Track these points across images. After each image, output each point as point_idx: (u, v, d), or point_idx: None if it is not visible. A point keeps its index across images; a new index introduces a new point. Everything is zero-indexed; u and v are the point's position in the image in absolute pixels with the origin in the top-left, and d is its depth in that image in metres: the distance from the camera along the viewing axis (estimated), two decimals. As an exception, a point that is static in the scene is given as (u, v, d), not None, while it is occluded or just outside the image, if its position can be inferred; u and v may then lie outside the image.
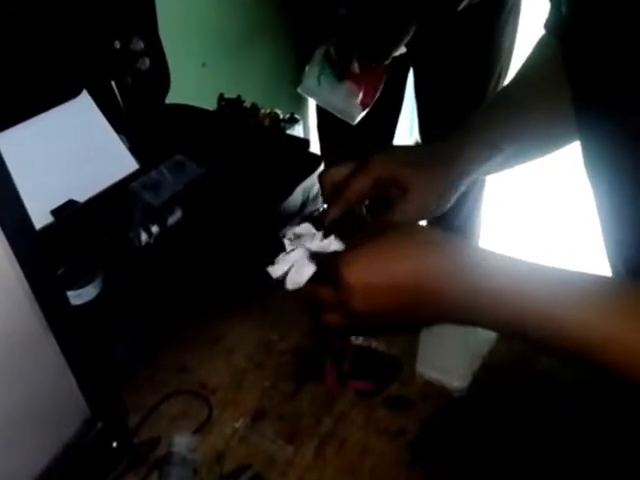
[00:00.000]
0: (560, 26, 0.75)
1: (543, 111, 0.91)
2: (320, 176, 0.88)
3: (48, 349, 0.68)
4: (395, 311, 0.68)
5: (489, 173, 0.97)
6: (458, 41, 1.79)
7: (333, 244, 0.73)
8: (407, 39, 1.64)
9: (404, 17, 1.63)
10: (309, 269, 0.73)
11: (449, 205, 0.89)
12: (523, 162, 0.97)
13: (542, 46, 0.92)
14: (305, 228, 0.76)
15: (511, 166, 0.98)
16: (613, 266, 0.81)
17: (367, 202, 0.88)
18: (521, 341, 0.66)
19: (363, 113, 1.80)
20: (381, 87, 1.79)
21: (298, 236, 0.76)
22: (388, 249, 0.67)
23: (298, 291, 0.75)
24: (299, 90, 1.79)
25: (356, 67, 1.72)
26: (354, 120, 1.80)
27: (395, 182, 0.85)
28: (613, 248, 0.79)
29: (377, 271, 0.66)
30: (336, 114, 1.81)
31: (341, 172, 0.85)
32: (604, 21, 0.63)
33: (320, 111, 2.08)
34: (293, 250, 0.75)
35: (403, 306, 0.67)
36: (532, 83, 0.95)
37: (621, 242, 0.77)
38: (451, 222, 2.22)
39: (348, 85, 1.75)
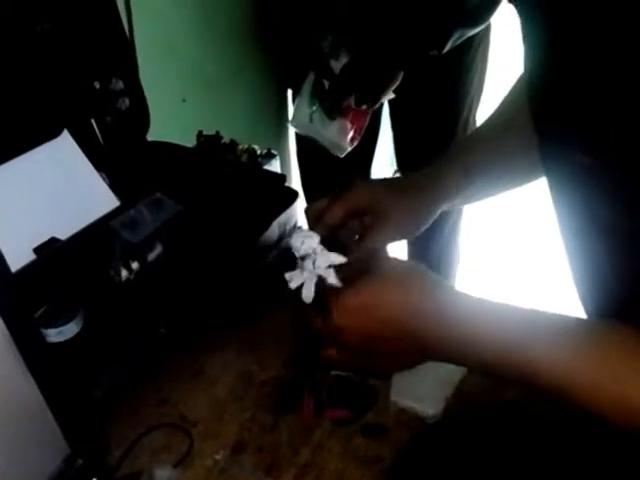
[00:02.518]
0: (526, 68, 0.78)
1: (511, 145, 0.94)
2: (306, 210, 0.95)
3: (26, 389, 0.70)
4: (383, 349, 0.75)
5: (464, 202, 1.01)
6: (429, 75, 1.84)
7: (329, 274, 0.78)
8: (397, 84, 1.71)
9: (398, 63, 1.70)
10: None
11: (425, 227, 0.95)
12: (494, 193, 1.01)
13: (519, 81, 0.95)
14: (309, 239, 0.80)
15: (484, 197, 1.02)
16: (582, 301, 0.84)
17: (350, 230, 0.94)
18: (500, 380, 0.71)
19: (351, 147, 1.86)
20: (367, 123, 1.85)
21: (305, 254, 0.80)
22: (376, 294, 0.73)
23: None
24: (291, 125, 1.85)
25: (352, 104, 1.78)
26: (342, 153, 1.86)
27: (375, 209, 0.91)
28: (581, 285, 0.82)
29: (366, 316, 0.73)
30: (325, 146, 1.86)
31: (324, 203, 0.92)
32: (566, 67, 0.65)
33: (300, 142, 2.12)
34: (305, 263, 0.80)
35: (390, 347, 0.74)
36: (504, 117, 0.98)
37: (589, 279, 0.79)
38: (430, 249, 2.26)
39: (340, 122, 1.81)
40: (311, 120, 1.83)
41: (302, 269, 0.80)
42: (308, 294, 0.78)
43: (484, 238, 2.97)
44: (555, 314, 0.67)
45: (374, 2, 1.57)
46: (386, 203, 0.92)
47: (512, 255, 2.95)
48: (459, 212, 2.27)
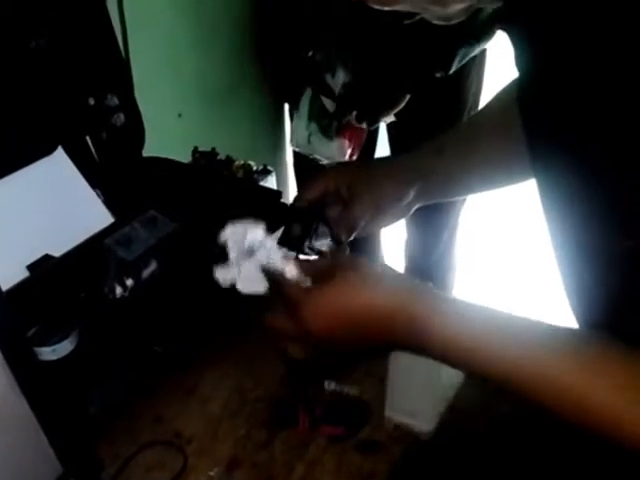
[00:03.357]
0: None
1: (499, 140, 0.95)
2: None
3: (18, 408, 0.70)
4: (352, 340, 0.75)
5: (444, 193, 1.03)
6: (427, 88, 1.85)
7: (286, 266, 0.77)
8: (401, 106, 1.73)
9: (405, 87, 1.72)
10: (262, 283, 0.77)
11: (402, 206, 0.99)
12: (475, 185, 1.03)
13: (513, 80, 0.96)
14: (252, 230, 0.79)
15: (464, 188, 1.06)
16: (574, 312, 0.84)
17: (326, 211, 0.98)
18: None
19: None
20: (364, 139, 1.87)
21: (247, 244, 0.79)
22: (343, 296, 0.73)
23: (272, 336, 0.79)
24: (290, 145, 1.89)
25: (352, 121, 1.80)
26: None
27: (347, 190, 0.97)
28: (571, 299, 0.82)
29: (334, 321, 0.73)
30: (325, 164, 1.89)
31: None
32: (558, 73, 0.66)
33: (297, 157, 2.14)
34: (241, 257, 0.78)
35: (359, 335, 0.74)
36: (493, 114, 1.00)
37: (578, 295, 0.80)
38: (429, 254, 2.28)
39: (338, 142, 1.83)
40: (309, 141, 1.85)
41: (238, 263, 0.78)
42: (253, 287, 0.77)
43: (482, 243, 2.97)
44: (539, 322, 0.68)
45: (377, 27, 1.58)
46: (356, 184, 0.97)
47: (509, 260, 2.96)
48: (457, 217, 2.27)
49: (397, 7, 0.71)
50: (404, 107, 1.80)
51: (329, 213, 0.97)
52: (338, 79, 1.74)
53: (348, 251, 0.94)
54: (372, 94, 1.77)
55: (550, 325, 0.67)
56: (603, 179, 0.62)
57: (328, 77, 1.75)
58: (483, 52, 1.90)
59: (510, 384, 0.66)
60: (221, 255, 0.79)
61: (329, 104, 1.81)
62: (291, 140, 1.94)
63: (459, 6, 0.70)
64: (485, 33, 1.66)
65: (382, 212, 0.99)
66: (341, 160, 1.87)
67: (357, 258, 0.79)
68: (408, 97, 1.79)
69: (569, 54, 0.61)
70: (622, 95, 0.57)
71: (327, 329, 0.74)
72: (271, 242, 0.78)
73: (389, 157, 1.07)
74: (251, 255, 0.78)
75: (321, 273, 0.76)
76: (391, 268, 0.77)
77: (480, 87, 1.99)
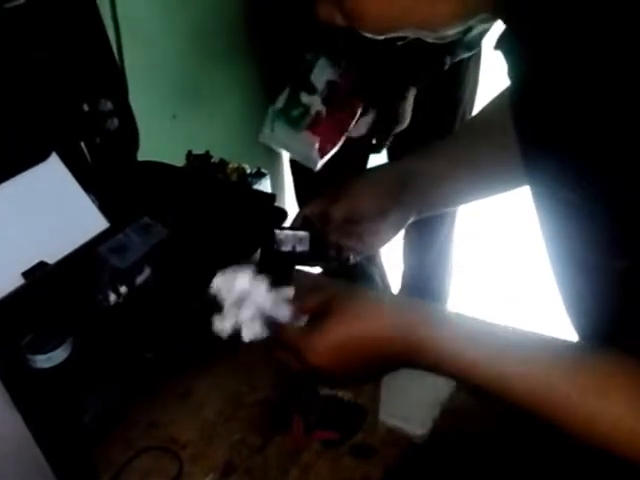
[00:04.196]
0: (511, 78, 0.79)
1: (492, 149, 0.95)
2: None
3: (10, 420, 0.70)
4: (358, 369, 0.76)
5: (446, 206, 1.03)
6: (422, 89, 1.85)
7: (281, 308, 0.77)
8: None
9: (411, 75, 1.72)
10: (261, 329, 0.77)
11: (393, 230, 1.01)
12: (475, 199, 1.03)
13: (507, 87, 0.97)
14: (240, 278, 0.78)
15: (457, 202, 1.09)
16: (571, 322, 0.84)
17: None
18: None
19: (323, 160, 1.83)
20: (344, 136, 1.83)
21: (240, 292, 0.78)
22: (342, 332, 0.74)
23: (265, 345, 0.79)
24: (259, 139, 1.83)
25: (323, 112, 1.77)
26: (315, 166, 1.83)
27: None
28: (568, 310, 0.82)
29: (337, 350, 0.74)
30: (297, 159, 1.86)
31: None
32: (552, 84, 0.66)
33: (293, 161, 2.13)
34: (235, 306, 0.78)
35: (364, 365, 0.75)
36: (486, 122, 1.00)
37: (574, 308, 0.80)
38: (426, 255, 2.28)
39: (305, 135, 1.78)
40: (273, 130, 1.81)
41: (234, 312, 0.78)
42: (254, 334, 0.77)
43: (478, 245, 2.98)
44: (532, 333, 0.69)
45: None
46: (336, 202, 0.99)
47: (505, 263, 2.96)
48: (452, 219, 2.27)
49: (389, 35, 0.72)
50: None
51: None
52: (322, 76, 1.73)
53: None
54: (379, 88, 1.76)
55: (560, 342, 0.68)
56: (596, 195, 0.62)
57: (313, 75, 1.74)
58: (479, 50, 1.90)
59: (525, 403, 0.67)
60: (216, 305, 0.79)
61: (306, 97, 1.79)
62: (259, 134, 1.87)
63: (450, 31, 0.71)
64: (477, 42, 1.68)
65: (363, 225, 1.00)
66: (311, 155, 1.82)
67: (351, 286, 0.80)
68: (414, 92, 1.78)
69: (560, 62, 0.62)
70: (614, 103, 0.58)
71: (331, 365, 0.74)
72: (261, 286, 0.78)
73: (376, 167, 1.06)
74: (243, 304, 0.78)
75: (317, 307, 0.77)
76: (386, 293, 0.77)
77: (477, 80, 1.99)
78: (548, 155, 0.68)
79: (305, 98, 1.78)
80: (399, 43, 0.77)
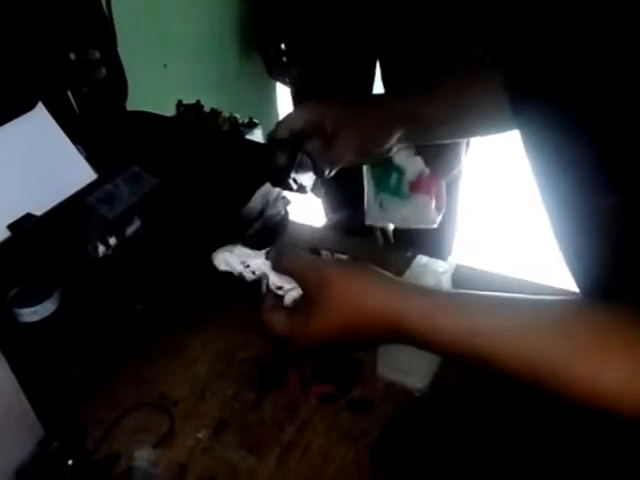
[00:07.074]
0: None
1: (491, 85, 0.93)
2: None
3: (-1, 372, 0.68)
4: (351, 343, 0.74)
5: (429, 140, 1.05)
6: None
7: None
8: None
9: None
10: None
11: (383, 154, 1.01)
12: (466, 136, 1.01)
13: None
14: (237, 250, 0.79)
15: (453, 138, 1.13)
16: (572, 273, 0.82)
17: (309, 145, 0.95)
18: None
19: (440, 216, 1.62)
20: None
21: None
22: (330, 314, 0.71)
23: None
24: (367, 223, 1.61)
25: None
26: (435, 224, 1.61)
27: (332, 123, 0.95)
28: (564, 260, 0.80)
29: (329, 335, 0.71)
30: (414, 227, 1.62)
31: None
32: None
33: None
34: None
35: (358, 339, 0.73)
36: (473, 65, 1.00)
37: (568, 256, 0.78)
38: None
39: (415, 198, 1.55)
40: (382, 209, 1.45)
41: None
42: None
43: (480, 208, 2.96)
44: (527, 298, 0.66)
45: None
46: (342, 119, 0.95)
47: (507, 225, 2.95)
48: (455, 190, 2.23)
49: None
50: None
51: (310, 145, 0.94)
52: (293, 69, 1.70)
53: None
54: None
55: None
56: (586, 132, 0.62)
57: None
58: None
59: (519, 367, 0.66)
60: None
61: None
62: (366, 219, 1.49)
63: None
64: None
65: (364, 151, 0.98)
66: (428, 223, 1.47)
67: (342, 261, 0.77)
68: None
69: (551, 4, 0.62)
70: (603, 46, 0.58)
71: (323, 344, 0.72)
72: (259, 255, 0.77)
73: (378, 95, 1.04)
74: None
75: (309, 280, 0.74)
76: (376, 268, 0.74)
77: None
78: (537, 99, 0.68)
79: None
80: None
